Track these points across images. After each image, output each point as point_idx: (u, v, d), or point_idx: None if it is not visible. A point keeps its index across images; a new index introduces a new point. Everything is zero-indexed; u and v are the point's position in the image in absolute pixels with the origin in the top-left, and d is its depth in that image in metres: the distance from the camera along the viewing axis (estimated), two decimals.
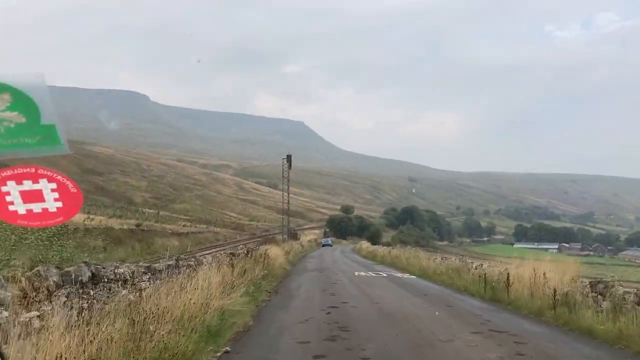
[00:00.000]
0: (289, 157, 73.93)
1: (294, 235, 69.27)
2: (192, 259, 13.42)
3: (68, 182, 2.82)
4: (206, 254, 21.16)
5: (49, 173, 2.78)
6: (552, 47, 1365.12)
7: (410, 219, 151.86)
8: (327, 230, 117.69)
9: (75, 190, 2.82)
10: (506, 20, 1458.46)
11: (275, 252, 27.18)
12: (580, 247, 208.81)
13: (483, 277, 17.64)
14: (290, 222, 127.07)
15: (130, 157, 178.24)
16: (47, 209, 2.77)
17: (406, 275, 25.72)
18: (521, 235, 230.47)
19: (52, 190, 2.77)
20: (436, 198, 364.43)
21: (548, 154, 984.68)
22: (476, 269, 20.65)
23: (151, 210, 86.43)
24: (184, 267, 11.50)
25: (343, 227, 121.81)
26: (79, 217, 39.75)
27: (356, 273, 26.26)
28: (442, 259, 28.08)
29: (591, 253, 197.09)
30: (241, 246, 33.95)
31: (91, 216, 43.07)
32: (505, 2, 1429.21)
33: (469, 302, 15.67)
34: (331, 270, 28.63)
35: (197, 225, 74.80)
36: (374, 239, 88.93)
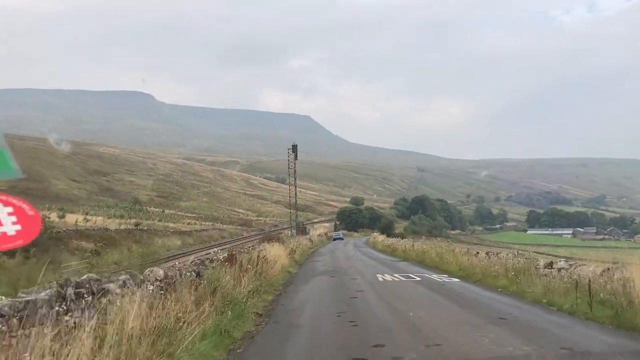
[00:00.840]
0: (294, 148, 70.84)
1: (302, 230, 66.53)
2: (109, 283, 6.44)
3: (24, 205, 2.91)
4: (180, 260, 18.31)
5: (3, 197, 2.87)
6: (558, 31, 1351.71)
7: (421, 209, 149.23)
8: (338, 223, 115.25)
9: (33, 213, 2.92)
10: (512, 6, 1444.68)
11: (275, 252, 23.01)
12: (595, 231, 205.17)
13: (581, 284, 11.37)
14: (299, 216, 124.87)
15: (136, 157, 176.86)
16: (5, 232, 2.85)
17: (446, 278, 19.60)
18: (534, 221, 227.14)
19: (9, 214, 2.86)
20: (446, 187, 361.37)
21: (556, 139, 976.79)
22: (549, 268, 14.15)
23: (156, 209, 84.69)
24: (88, 299, 5.69)
25: (354, 219, 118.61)
26: (72, 219, 38.00)
27: (379, 277, 20.42)
28: (487, 254, 21.26)
29: (606, 237, 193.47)
30: (239, 245, 31.67)
31: (88, 217, 41.07)
32: None
33: (593, 335, 9.01)
34: (346, 272, 23.64)
35: (203, 223, 72.91)
36: (388, 231, 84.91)
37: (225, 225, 75.09)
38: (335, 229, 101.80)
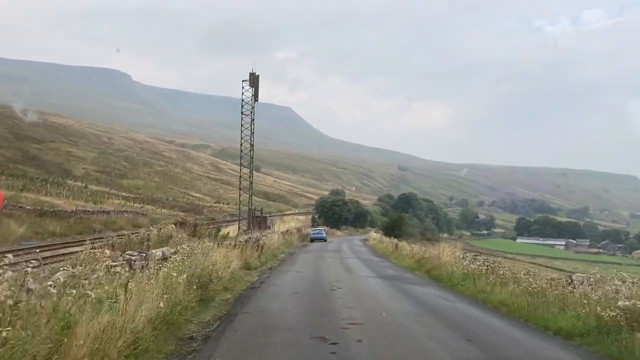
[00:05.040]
0: (253, 77, 42.78)
1: (261, 223, 44.13)
2: None
3: None
4: None
5: None
6: (543, 41, 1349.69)
7: (409, 208, 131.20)
8: (316, 216, 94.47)
9: None
10: (498, 13, 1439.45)
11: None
12: (588, 244, 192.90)
13: None
14: (269, 207, 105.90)
15: (90, 129, 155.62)
16: None
17: None
18: (523, 229, 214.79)
19: None
20: (427, 187, 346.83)
21: (535, 147, 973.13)
22: None
23: (79, 184, 65.23)
24: None
25: (336, 213, 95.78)
26: None
27: None
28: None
29: (601, 251, 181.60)
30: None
31: None
32: None
33: None
34: None
35: (133, 204, 54.25)
36: (396, 231, 61.66)
37: (164, 210, 56.80)
38: (314, 224, 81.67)
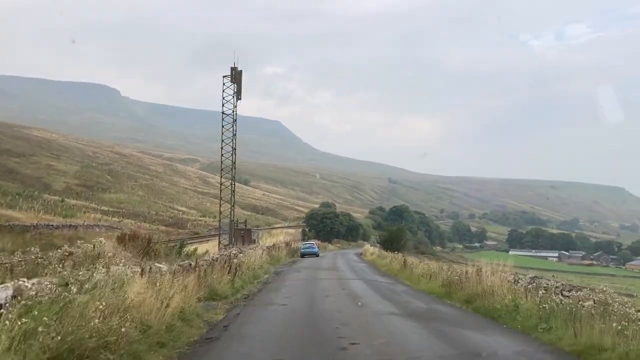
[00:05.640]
0: (235, 72, 39.32)
1: (245, 237, 40.61)
2: None
3: None
4: None
5: None
6: (528, 55, 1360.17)
7: (401, 221, 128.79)
8: (307, 229, 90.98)
9: None
10: (484, 28, 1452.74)
11: None
12: (581, 255, 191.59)
13: None
14: (258, 220, 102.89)
15: (75, 144, 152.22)
16: None
17: None
18: (515, 241, 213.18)
19: None
20: (417, 200, 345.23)
21: (524, 159, 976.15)
22: None
23: (56, 198, 62.18)
24: None
25: (328, 225, 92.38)
26: None
27: None
28: None
29: (594, 262, 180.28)
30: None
31: None
32: (484, 11, 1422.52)
33: None
34: None
35: (111, 219, 51.43)
36: (395, 245, 54.42)
37: (144, 224, 53.89)
38: (304, 237, 78.33)
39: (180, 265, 12.98)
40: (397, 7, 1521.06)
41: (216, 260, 16.77)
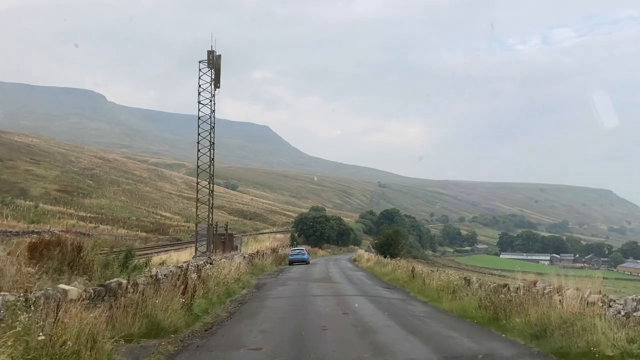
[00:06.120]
0: (213, 57, 35.12)
1: (225, 244, 36.90)
2: None
3: None
4: None
5: None
6: (515, 59, 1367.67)
7: (392, 224, 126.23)
8: (296, 234, 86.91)
9: None
10: (470, 33, 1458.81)
11: None
12: (572, 258, 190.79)
13: None
14: (245, 225, 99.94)
15: (57, 148, 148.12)
16: None
17: None
18: (506, 244, 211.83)
19: None
20: (407, 204, 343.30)
21: (512, 163, 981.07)
22: None
23: (30, 203, 58.82)
24: None
25: (318, 230, 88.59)
26: None
27: None
28: None
29: (585, 265, 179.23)
30: None
31: None
32: (469, 15, 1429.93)
33: None
34: None
35: (87, 225, 48.31)
36: (391, 250, 49.91)
37: (123, 230, 50.73)
38: (293, 242, 74.63)
39: (103, 287, 9.56)
40: (387, 14, 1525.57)
41: (166, 276, 12.71)
